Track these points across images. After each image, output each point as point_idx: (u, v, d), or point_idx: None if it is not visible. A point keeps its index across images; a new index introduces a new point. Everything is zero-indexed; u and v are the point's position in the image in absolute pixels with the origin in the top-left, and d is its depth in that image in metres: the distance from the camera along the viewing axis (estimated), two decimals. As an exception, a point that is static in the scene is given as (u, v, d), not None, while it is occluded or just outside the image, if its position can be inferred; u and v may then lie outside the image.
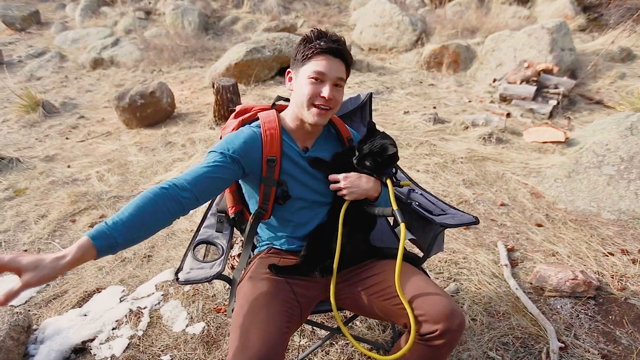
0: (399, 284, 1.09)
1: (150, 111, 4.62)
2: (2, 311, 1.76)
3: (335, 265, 1.21)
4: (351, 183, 1.21)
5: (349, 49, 6.21)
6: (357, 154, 1.21)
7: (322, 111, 1.16)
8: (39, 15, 10.25)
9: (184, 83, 6.27)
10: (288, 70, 1.25)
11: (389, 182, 1.22)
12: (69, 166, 3.80)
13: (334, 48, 1.13)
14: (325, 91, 1.14)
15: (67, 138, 4.63)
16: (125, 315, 1.92)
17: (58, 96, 6.21)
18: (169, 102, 4.80)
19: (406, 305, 1.08)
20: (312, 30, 1.17)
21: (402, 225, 1.11)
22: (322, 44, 1.13)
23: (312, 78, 1.14)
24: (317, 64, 1.13)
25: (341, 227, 1.21)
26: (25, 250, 2.55)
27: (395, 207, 1.16)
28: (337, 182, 1.23)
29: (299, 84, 1.18)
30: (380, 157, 1.20)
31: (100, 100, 5.97)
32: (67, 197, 3.11)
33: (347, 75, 1.21)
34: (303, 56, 1.16)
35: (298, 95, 1.18)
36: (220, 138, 1.42)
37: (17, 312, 1.78)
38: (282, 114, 1.30)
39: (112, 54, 7.62)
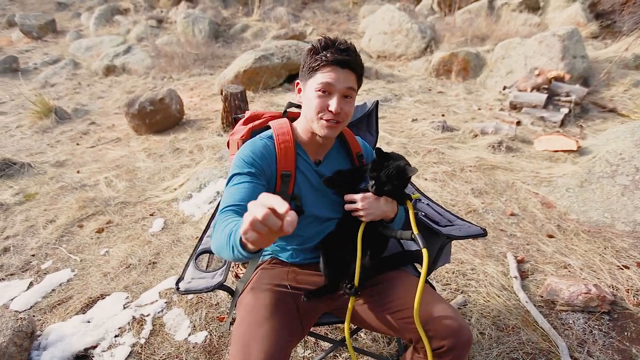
0: (417, 313, 1.03)
1: (159, 117, 4.67)
2: (6, 317, 1.77)
3: (356, 280, 1.16)
4: (369, 205, 1.14)
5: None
6: (373, 182, 1.15)
7: (331, 124, 1.11)
8: (55, 24, 10.51)
9: (193, 90, 6.34)
10: (297, 81, 1.20)
11: (409, 205, 1.16)
12: (78, 172, 3.85)
13: (341, 59, 1.07)
14: (333, 105, 1.08)
15: (77, 144, 4.70)
16: (128, 323, 1.91)
17: (70, 102, 6.33)
18: (178, 108, 4.84)
19: (422, 335, 1.04)
20: (319, 40, 1.11)
21: (425, 252, 1.05)
22: (328, 55, 1.07)
23: (320, 91, 1.09)
24: (324, 76, 1.08)
25: (360, 250, 1.16)
26: (33, 255, 2.57)
27: (416, 231, 1.10)
28: (354, 202, 1.17)
29: (307, 96, 1.13)
30: (399, 181, 1.14)
31: (111, 107, 6.06)
32: (76, 202, 3.14)
33: (359, 85, 1.15)
34: (310, 68, 1.10)
35: (307, 108, 1.14)
36: (228, 144, 1.38)
37: (21, 318, 1.79)
38: (294, 123, 1.25)
39: (124, 61, 7.76)
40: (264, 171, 1.13)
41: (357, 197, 1.16)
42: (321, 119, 1.11)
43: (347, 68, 1.09)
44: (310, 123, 1.15)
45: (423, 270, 1.04)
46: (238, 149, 1.21)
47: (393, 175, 1.12)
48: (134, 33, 9.09)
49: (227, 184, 1.12)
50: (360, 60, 1.13)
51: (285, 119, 1.25)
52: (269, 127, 1.24)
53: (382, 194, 1.15)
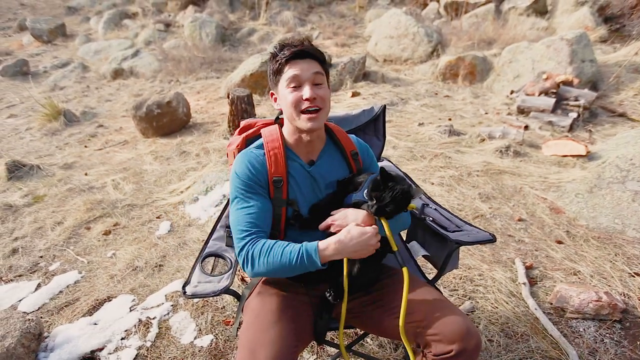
0: (402, 327, 1.05)
1: (166, 121, 4.70)
2: (14, 318, 1.78)
3: (345, 293, 1.14)
4: (340, 227, 1.10)
5: (364, 57, 6.22)
6: (374, 201, 1.09)
7: (312, 114, 1.12)
8: (65, 28, 10.65)
9: (200, 93, 6.38)
10: (271, 92, 1.23)
11: (384, 221, 1.10)
12: (86, 174, 3.88)
13: (298, 51, 1.11)
14: (307, 92, 1.10)
15: (85, 146, 4.75)
16: (135, 325, 1.92)
17: (79, 105, 6.40)
18: (185, 111, 4.87)
19: (408, 348, 1.06)
20: (274, 46, 1.16)
21: (405, 271, 1.06)
22: (286, 52, 1.12)
23: (291, 87, 1.12)
24: (288, 72, 1.11)
25: (345, 262, 1.12)
26: (41, 257, 2.59)
27: (395, 248, 1.09)
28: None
29: (282, 97, 1.15)
30: (404, 203, 1.09)
31: (119, 110, 6.12)
32: (83, 204, 3.17)
33: (326, 71, 1.17)
34: (275, 72, 1.15)
35: (285, 108, 1.15)
36: (227, 155, 1.41)
37: (29, 319, 1.80)
38: (282, 129, 1.26)
39: (132, 64, 7.83)
40: (261, 183, 1.16)
41: (328, 220, 1.14)
42: (301, 112, 1.12)
43: (306, 58, 1.13)
44: (293, 122, 1.16)
45: (404, 290, 1.04)
46: (234, 158, 1.24)
47: (398, 198, 1.07)
48: (142, 37, 9.18)
49: (232, 203, 1.15)
50: (317, 49, 1.16)
51: (275, 126, 1.27)
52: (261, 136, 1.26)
53: (382, 214, 1.10)
